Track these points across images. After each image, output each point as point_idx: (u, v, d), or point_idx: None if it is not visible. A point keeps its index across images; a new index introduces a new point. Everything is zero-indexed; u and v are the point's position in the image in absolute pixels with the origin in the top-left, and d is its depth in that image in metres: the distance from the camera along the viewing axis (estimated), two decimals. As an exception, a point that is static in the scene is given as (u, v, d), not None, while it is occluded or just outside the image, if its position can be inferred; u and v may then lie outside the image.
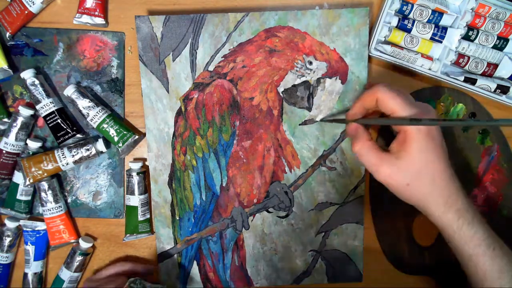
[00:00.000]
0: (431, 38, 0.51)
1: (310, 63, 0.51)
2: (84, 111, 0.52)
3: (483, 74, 0.53)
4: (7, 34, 0.53)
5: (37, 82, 0.52)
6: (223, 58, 0.52)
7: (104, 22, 0.53)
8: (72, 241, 0.55)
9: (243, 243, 0.55)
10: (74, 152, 0.53)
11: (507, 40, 0.51)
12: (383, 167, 0.42)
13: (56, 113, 0.52)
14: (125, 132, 0.53)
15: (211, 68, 0.52)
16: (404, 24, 0.51)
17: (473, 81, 0.51)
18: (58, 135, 0.53)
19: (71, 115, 0.55)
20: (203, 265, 0.56)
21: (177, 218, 0.55)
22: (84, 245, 0.55)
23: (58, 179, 0.56)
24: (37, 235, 0.55)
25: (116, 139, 0.53)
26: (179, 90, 0.52)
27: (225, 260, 0.56)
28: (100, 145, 0.53)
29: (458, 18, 0.51)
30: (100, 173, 0.56)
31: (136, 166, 0.54)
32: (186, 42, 0.51)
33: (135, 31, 0.51)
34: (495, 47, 0.52)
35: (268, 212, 0.55)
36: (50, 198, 0.53)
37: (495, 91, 0.52)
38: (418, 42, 0.51)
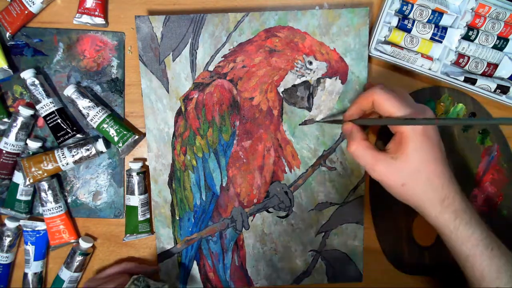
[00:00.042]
0: (431, 38, 0.51)
1: (310, 63, 0.51)
2: (84, 111, 0.52)
3: (483, 74, 0.53)
4: (7, 34, 0.53)
5: (37, 82, 0.52)
6: (223, 58, 0.52)
7: (104, 22, 0.53)
8: (72, 241, 0.55)
9: (243, 243, 0.55)
10: (74, 152, 0.53)
11: (507, 40, 0.51)
12: (379, 166, 0.42)
13: (56, 113, 0.52)
14: (125, 132, 0.53)
15: (211, 68, 0.52)
16: (404, 24, 0.51)
17: (473, 81, 0.51)
18: (58, 135, 0.53)
19: (71, 115, 0.55)
20: (203, 265, 0.56)
21: (177, 218, 0.55)
22: (84, 245, 0.55)
23: (58, 179, 0.56)
24: (37, 235, 0.55)
25: (116, 139, 0.53)
26: (179, 90, 0.52)
27: (225, 260, 0.56)
28: (100, 145, 0.53)
29: (458, 18, 0.51)
30: (100, 173, 0.56)
31: (136, 166, 0.54)
32: (186, 42, 0.51)
33: (135, 31, 0.51)
34: (495, 47, 0.52)
35: (268, 212, 0.55)
36: (50, 198, 0.54)
37: (495, 91, 0.52)
38: (418, 42, 0.51)
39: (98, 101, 0.54)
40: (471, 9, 0.51)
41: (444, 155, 0.42)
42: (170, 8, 0.55)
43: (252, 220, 0.55)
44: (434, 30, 0.51)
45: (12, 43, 0.55)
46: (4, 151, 0.53)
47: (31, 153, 0.54)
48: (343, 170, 0.54)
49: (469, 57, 0.51)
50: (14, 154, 0.54)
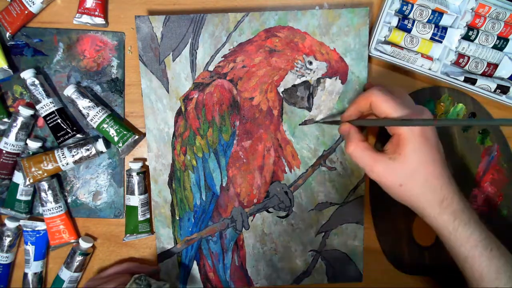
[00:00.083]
0: (431, 38, 0.51)
1: (310, 63, 0.51)
2: (84, 111, 0.52)
3: (483, 74, 0.53)
4: (7, 34, 0.53)
5: (37, 82, 0.52)
6: (223, 58, 0.52)
7: (104, 22, 0.53)
8: (72, 241, 0.55)
9: (243, 243, 0.55)
10: (74, 152, 0.53)
11: (507, 40, 0.51)
12: (377, 167, 0.42)
13: (56, 113, 0.52)
14: (125, 132, 0.53)
15: (211, 68, 0.52)
16: (404, 24, 0.51)
17: (473, 81, 0.51)
18: (58, 135, 0.53)
19: (71, 115, 0.55)
20: (203, 265, 0.56)
21: (177, 218, 0.55)
22: (84, 245, 0.55)
23: (58, 179, 0.56)
24: (37, 235, 0.55)
25: (116, 139, 0.53)
26: (179, 90, 0.52)
27: (225, 260, 0.56)
28: (100, 145, 0.53)
29: (458, 18, 0.51)
30: (100, 173, 0.56)
31: (136, 166, 0.54)
32: (186, 42, 0.51)
33: (135, 31, 0.51)
34: (495, 47, 0.52)
35: (268, 212, 0.55)
36: (50, 198, 0.53)
37: (495, 91, 0.52)
38: (418, 42, 0.51)
39: (98, 101, 0.54)
40: (471, 9, 0.51)
41: (442, 156, 0.42)
42: (170, 8, 0.55)
43: (252, 220, 0.55)
44: (434, 30, 0.51)
45: (12, 43, 0.55)
46: (4, 151, 0.53)
47: (31, 153, 0.54)
48: (343, 170, 0.54)
49: (469, 57, 0.51)
50: (14, 154, 0.54)
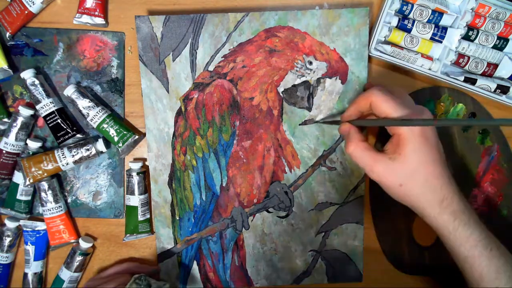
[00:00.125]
0: (431, 38, 0.51)
1: (310, 63, 0.51)
2: (84, 111, 0.52)
3: (483, 74, 0.53)
4: (7, 34, 0.53)
5: (37, 82, 0.52)
6: (223, 58, 0.52)
7: (104, 22, 0.53)
8: (72, 241, 0.55)
9: (243, 243, 0.55)
10: (74, 152, 0.53)
11: (507, 40, 0.51)
12: (377, 167, 0.42)
13: (56, 113, 0.52)
14: (125, 132, 0.53)
15: (211, 68, 0.52)
16: (404, 24, 0.51)
17: (473, 81, 0.51)
18: (58, 135, 0.53)
19: (71, 115, 0.55)
20: (203, 265, 0.56)
21: (177, 218, 0.55)
22: (84, 245, 0.55)
23: (58, 179, 0.56)
24: (37, 235, 0.55)
25: (116, 139, 0.53)
26: (179, 90, 0.52)
27: (225, 260, 0.56)
28: (100, 145, 0.54)
29: (458, 18, 0.51)
30: (100, 173, 0.56)
31: (136, 166, 0.54)
32: (186, 42, 0.51)
33: (135, 31, 0.51)
34: (495, 47, 0.52)
35: (268, 212, 0.55)
36: (50, 198, 0.54)
37: (495, 91, 0.52)
38: (418, 42, 0.51)
39: (98, 101, 0.54)
40: (471, 9, 0.51)
41: (442, 156, 0.42)
42: (170, 8, 0.55)
43: (252, 220, 0.55)
44: (434, 30, 0.51)
45: (12, 43, 0.55)
46: (4, 151, 0.53)
47: (31, 153, 0.54)
48: (343, 170, 0.54)
49: (469, 57, 0.51)
50: (14, 154, 0.54)
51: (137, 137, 0.54)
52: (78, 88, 0.53)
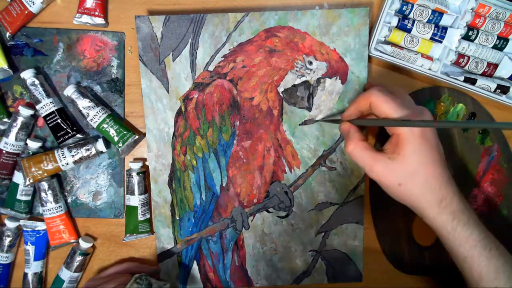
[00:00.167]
0: (431, 38, 0.51)
1: (310, 63, 0.51)
2: (84, 111, 0.52)
3: (483, 74, 0.53)
4: (7, 34, 0.53)
5: (37, 82, 0.52)
6: (223, 58, 0.52)
7: (104, 22, 0.53)
8: (72, 241, 0.55)
9: (243, 243, 0.56)
10: (74, 152, 0.53)
11: (507, 40, 0.51)
12: (376, 166, 0.42)
13: (56, 113, 0.52)
14: (125, 132, 0.53)
15: (211, 68, 0.52)
16: (404, 24, 0.51)
17: (473, 81, 0.51)
18: (58, 135, 0.53)
19: (71, 115, 0.55)
20: (203, 265, 0.56)
21: (177, 218, 0.55)
22: (84, 245, 0.55)
23: (58, 179, 0.56)
24: (37, 235, 0.55)
25: (116, 139, 0.53)
26: (179, 90, 0.52)
27: (225, 260, 0.56)
28: (100, 145, 0.54)
29: (458, 18, 0.51)
30: (100, 173, 0.56)
31: (136, 166, 0.54)
32: (186, 42, 0.51)
33: (135, 31, 0.51)
34: (495, 47, 0.52)
35: (268, 212, 0.55)
36: (50, 198, 0.54)
37: (495, 91, 0.52)
38: (418, 42, 0.51)
39: (98, 101, 0.54)
40: (471, 9, 0.51)
41: (442, 157, 0.42)
42: (170, 8, 0.55)
43: (252, 220, 0.55)
44: (434, 30, 0.51)
45: (12, 43, 0.55)
46: (4, 151, 0.53)
47: (31, 153, 0.54)
48: (343, 170, 0.54)
49: (469, 57, 0.51)
50: (14, 154, 0.54)
51: (137, 137, 0.54)
52: (78, 88, 0.53)
